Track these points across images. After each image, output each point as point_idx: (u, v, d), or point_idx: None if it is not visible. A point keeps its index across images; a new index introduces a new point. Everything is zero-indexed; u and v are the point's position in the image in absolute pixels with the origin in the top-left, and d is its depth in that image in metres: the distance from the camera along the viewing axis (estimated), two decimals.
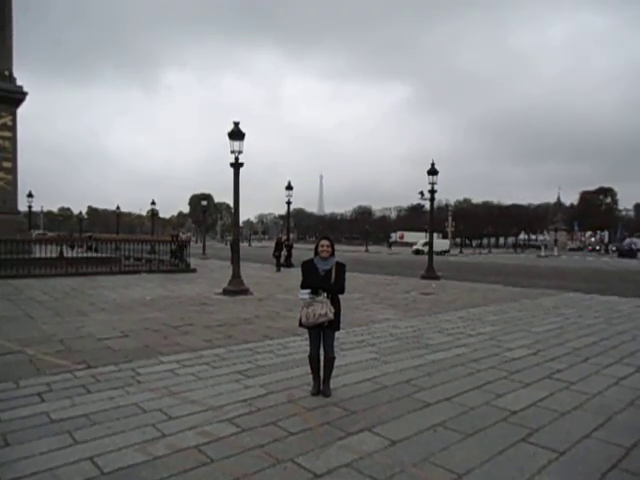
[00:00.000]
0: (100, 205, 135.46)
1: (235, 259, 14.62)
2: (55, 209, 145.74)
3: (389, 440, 3.98)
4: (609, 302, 13.79)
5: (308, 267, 5.13)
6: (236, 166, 14.13)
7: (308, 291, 5.01)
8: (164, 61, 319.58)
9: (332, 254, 5.13)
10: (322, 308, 5.00)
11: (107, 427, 4.20)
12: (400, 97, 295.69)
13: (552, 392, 5.34)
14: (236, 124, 14.13)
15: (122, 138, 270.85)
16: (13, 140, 22.33)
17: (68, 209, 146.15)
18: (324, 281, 5.04)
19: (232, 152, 14.11)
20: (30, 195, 39.68)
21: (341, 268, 5.15)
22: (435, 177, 20.63)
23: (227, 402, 4.86)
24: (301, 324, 5.08)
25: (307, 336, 5.35)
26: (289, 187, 28.23)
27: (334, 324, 5.07)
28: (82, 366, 6.16)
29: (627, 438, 4.12)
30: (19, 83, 22.60)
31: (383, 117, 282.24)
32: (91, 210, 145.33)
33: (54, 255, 19.73)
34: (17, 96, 22.09)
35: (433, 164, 20.60)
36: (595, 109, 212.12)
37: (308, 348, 5.26)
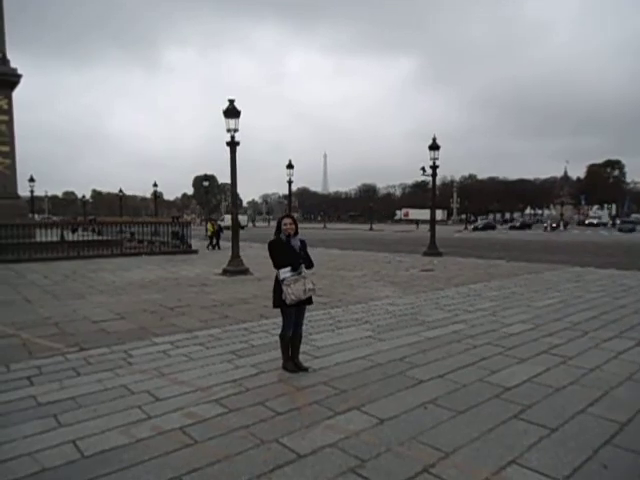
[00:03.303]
0: (104, 188, 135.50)
1: (234, 239, 14.52)
2: (60, 193, 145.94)
3: (377, 419, 3.91)
4: (613, 275, 13.61)
5: (281, 246, 5.02)
6: (232, 145, 13.90)
7: (289, 268, 4.91)
8: (165, 40, 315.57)
9: (296, 232, 5.06)
10: (308, 282, 4.97)
11: (93, 410, 4.15)
12: (404, 71, 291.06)
13: (548, 367, 5.24)
14: (231, 101, 13.84)
15: (125, 120, 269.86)
16: (9, 123, 22.12)
17: (72, 193, 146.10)
18: (301, 256, 4.99)
19: (228, 131, 13.86)
20: (32, 179, 39.58)
21: (305, 244, 5.25)
22: (437, 152, 20.28)
23: (216, 382, 4.80)
24: (284, 304, 4.97)
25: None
26: (290, 166, 27.97)
27: (311, 299, 5.14)
28: (75, 349, 6.13)
29: (623, 413, 4.02)
30: (15, 66, 22.34)
31: (387, 93, 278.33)
32: (95, 193, 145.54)
33: (56, 239, 19.77)
34: (12, 79, 21.78)
35: (434, 139, 20.23)
36: (603, 81, 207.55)
37: (282, 327, 5.19)
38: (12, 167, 22.38)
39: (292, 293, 4.88)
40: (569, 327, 7.22)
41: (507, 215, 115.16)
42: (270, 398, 4.37)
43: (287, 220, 5.13)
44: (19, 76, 22.26)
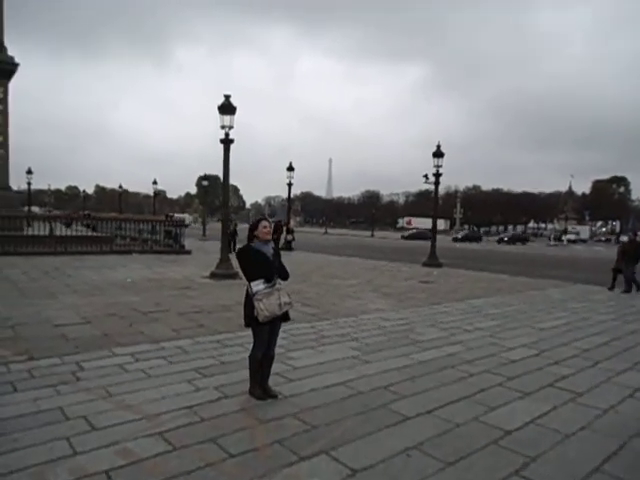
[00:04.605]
0: (109, 184, 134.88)
1: (224, 241, 13.86)
2: (63, 187, 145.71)
3: (348, 469, 3.22)
4: (622, 296, 12.88)
5: (254, 254, 4.35)
6: (226, 142, 13.25)
7: (262, 280, 4.24)
8: (175, 37, 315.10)
9: (272, 238, 4.41)
10: (284, 296, 4.30)
11: (12, 440, 3.47)
12: (414, 80, 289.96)
13: (555, 405, 4.54)
14: (227, 97, 13.22)
15: (132, 116, 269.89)
16: (4, 113, 21.56)
17: (75, 187, 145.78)
18: (275, 266, 4.33)
19: (222, 127, 13.23)
20: (29, 172, 38.99)
21: (278, 252, 4.60)
22: (441, 160, 19.60)
23: (168, 409, 4.11)
24: (256, 322, 4.29)
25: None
26: (290, 168, 27.32)
27: (287, 314, 4.47)
28: (22, 357, 5.45)
29: None
30: (12, 54, 21.81)
31: (396, 100, 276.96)
32: (99, 189, 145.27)
33: (44, 233, 19.14)
34: (8, 67, 21.23)
35: (439, 146, 19.56)
36: (611, 96, 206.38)
37: (252, 348, 4.50)
38: (5, 158, 21.82)
39: (265, 309, 4.20)
40: (577, 354, 6.52)
41: (510, 228, 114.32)
42: (226, 433, 3.69)
43: (265, 223, 4.49)
44: (16, 65, 21.72)
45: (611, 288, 13.67)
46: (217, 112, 13.31)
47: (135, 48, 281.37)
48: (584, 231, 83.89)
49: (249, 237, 4.51)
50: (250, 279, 4.30)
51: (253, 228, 4.45)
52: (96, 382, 4.73)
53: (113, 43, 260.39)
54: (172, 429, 3.73)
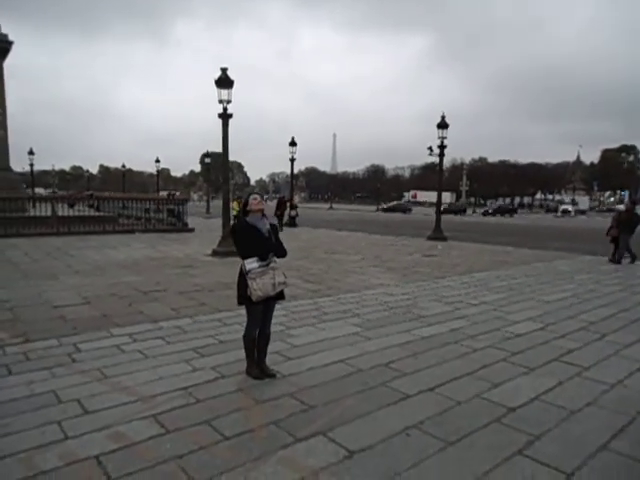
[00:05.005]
0: (113, 164, 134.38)
1: (225, 218, 13.71)
2: (68, 168, 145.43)
3: (345, 450, 3.12)
4: (629, 267, 12.67)
5: (247, 230, 4.19)
6: (225, 117, 12.96)
7: (256, 259, 4.09)
8: (173, 12, 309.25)
9: (263, 213, 4.24)
10: (279, 275, 4.16)
11: (4, 425, 3.40)
12: (418, 51, 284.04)
13: (560, 381, 4.42)
14: (223, 70, 12.85)
15: (133, 95, 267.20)
16: (0, 92, 21.28)
17: (80, 167, 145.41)
18: (271, 243, 4.17)
19: (220, 102, 12.91)
20: (31, 152, 38.75)
21: (276, 228, 4.44)
22: (445, 131, 19.17)
23: (164, 390, 4.03)
24: (249, 301, 4.16)
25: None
26: (293, 143, 26.93)
27: (282, 293, 4.34)
28: (19, 340, 5.39)
29: None
30: (5, 31, 21.35)
31: (400, 73, 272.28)
32: (103, 168, 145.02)
33: (47, 214, 19.08)
34: (2, 45, 20.81)
35: (443, 117, 19.09)
36: (621, 64, 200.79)
37: (246, 327, 4.39)
38: (4, 138, 21.61)
39: (258, 289, 4.07)
40: (584, 327, 6.38)
41: (517, 199, 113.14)
42: (221, 414, 3.60)
43: (254, 195, 4.35)
44: (10, 42, 21.29)
45: (612, 259, 13.41)
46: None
47: (133, 25, 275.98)
48: (583, 202, 76.39)
49: (243, 212, 4.36)
50: (243, 256, 4.16)
51: (245, 204, 4.30)
52: (92, 364, 4.66)
53: (110, 21, 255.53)
54: (166, 411, 3.65)
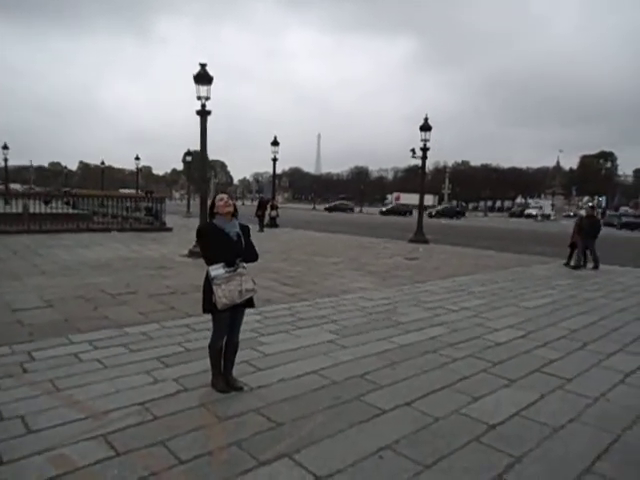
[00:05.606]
0: (94, 161, 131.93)
1: (203, 218, 13.31)
2: (46, 164, 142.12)
3: (312, 475, 2.86)
4: (608, 272, 12.69)
5: (213, 233, 3.90)
6: (203, 114, 12.58)
7: (221, 264, 3.80)
8: (157, 9, 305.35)
9: (234, 214, 3.94)
10: (247, 282, 3.86)
11: None
12: (405, 54, 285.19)
13: (542, 394, 4.22)
14: (202, 66, 12.48)
15: (115, 92, 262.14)
16: None
17: (59, 164, 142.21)
18: (239, 247, 3.87)
19: (198, 98, 12.53)
20: (5, 147, 37.60)
21: (247, 230, 4.09)
22: (428, 133, 19.07)
23: (119, 405, 3.71)
24: (215, 309, 3.87)
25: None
26: (275, 143, 26.56)
27: (251, 300, 4.05)
28: None
29: None
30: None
31: (386, 75, 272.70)
32: (83, 165, 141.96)
33: (18, 211, 18.41)
34: None
35: (426, 119, 18.99)
36: (604, 72, 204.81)
37: (212, 336, 4.10)
38: None
39: (224, 296, 3.78)
40: (565, 335, 6.23)
41: (498, 203, 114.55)
42: (179, 434, 3.30)
43: (223, 196, 4.01)
44: None
45: (567, 264, 13.38)
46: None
47: (116, 21, 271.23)
48: (547, 206, 70.03)
49: (210, 214, 4.06)
50: (208, 262, 3.86)
51: (212, 204, 4.00)
52: (44, 374, 4.31)
53: (93, 16, 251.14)
54: (119, 430, 3.33)
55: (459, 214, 57.68)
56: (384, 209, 63.59)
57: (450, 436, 3.39)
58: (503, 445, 3.29)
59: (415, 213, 58.25)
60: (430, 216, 50.93)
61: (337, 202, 74.35)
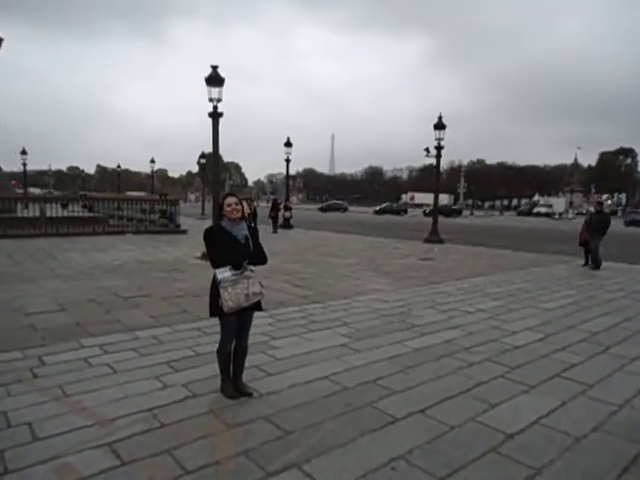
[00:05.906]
0: (111, 164, 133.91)
1: (215, 219, 13.30)
2: (65, 168, 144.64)
3: None
4: (631, 271, 12.33)
5: (220, 236, 3.82)
6: (215, 116, 12.58)
7: (228, 267, 3.73)
8: (172, 11, 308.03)
9: (243, 217, 3.84)
10: (254, 285, 3.78)
11: None
12: (418, 52, 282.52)
13: (563, 401, 4.05)
14: (214, 68, 12.48)
15: (133, 96, 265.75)
16: None
17: (77, 168, 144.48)
18: (246, 250, 3.78)
19: (210, 100, 12.53)
20: (24, 152, 38.26)
21: (256, 233, 4.00)
22: (442, 132, 18.82)
23: (127, 412, 3.65)
24: (222, 312, 3.80)
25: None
26: (288, 144, 26.57)
27: (259, 304, 3.97)
28: None
29: None
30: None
31: (399, 75, 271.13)
32: (101, 169, 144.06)
33: (36, 215, 18.67)
34: None
35: (440, 117, 18.75)
36: (621, 67, 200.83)
37: (220, 341, 4.05)
38: None
39: (230, 299, 3.70)
40: (586, 338, 6.02)
41: (515, 201, 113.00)
42: (186, 442, 3.22)
43: (231, 200, 3.89)
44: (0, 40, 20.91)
45: (585, 264, 13.00)
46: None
47: (132, 26, 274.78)
48: (558, 203, 68.10)
49: (219, 216, 3.99)
50: (215, 265, 3.79)
51: (220, 206, 3.91)
52: (54, 380, 4.28)
53: (109, 22, 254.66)
54: (125, 438, 3.27)
55: (455, 212, 57.71)
56: (377, 208, 64.37)
57: (466, 446, 3.26)
58: (522, 456, 3.14)
59: (410, 212, 60.09)
60: (425, 214, 51.15)
61: (331, 202, 76.23)
